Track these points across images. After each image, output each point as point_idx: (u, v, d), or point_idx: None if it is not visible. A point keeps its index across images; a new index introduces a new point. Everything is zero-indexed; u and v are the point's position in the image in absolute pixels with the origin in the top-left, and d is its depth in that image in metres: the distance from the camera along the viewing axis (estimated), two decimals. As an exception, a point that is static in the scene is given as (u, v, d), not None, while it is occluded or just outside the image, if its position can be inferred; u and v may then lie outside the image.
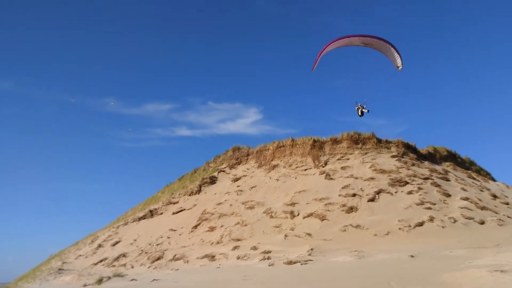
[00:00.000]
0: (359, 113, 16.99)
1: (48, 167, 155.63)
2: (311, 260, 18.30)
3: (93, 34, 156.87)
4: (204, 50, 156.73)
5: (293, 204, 28.50)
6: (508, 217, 25.55)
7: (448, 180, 31.81)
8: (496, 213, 25.98)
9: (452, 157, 39.78)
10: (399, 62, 14.33)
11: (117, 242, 32.31)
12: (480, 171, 39.94)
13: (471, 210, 25.81)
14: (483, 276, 10.99)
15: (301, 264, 17.70)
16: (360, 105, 16.86)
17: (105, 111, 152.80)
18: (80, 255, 32.65)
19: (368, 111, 16.87)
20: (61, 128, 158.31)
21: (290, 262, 18.25)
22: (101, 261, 28.63)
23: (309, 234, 23.62)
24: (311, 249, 20.34)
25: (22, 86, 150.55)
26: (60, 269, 28.42)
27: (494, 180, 38.99)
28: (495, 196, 29.68)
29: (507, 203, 28.71)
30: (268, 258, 20.44)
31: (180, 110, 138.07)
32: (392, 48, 14.38)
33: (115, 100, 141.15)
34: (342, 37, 15.01)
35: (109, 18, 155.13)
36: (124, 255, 27.98)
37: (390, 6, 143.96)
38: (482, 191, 30.71)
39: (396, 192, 28.32)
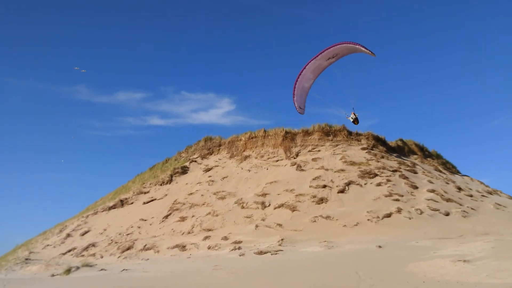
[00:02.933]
0: (356, 122, 16.76)
1: (15, 158, 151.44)
2: (282, 250, 18.51)
3: (62, 20, 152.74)
4: (177, 39, 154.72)
5: (264, 195, 28.68)
6: (472, 209, 26.36)
7: (415, 172, 32.55)
8: (461, 205, 26.76)
9: (420, 150, 40.66)
10: (369, 51, 14.36)
11: (86, 232, 31.87)
12: (446, 164, 40.96)
13: (437, 202, 26.52)
14: (447, 266, 11.38)
15: (272, 254, 17.89)
16: (353, 113, 16.62)
17: (75, 99, 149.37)
18: (48, 245, 32.06)
19: (354, 114, 16.72)
20: (28, 117, 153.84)
21: (261, 252, 18.42)
22: (69, 251, 28.21)
23: (280, 225, 23.85)
24: (282, 240, 20.57)
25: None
26: (27, 259, 27.86)
27: (459, 173, 40.07)
28: (460, 189, 30.54)
29: (471, 195, 29.59)
30: (239, 248, 20.57)
31: (153, 99, 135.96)
32: (357, 45, 14.45)
33: (86, 88, 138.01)
34: (304, 67, 14.90)
35: (79, 3, 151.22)
36: (93, 245, 27.65)
37: (363, 1, 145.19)
38: (447, 183, 31.55)
39: (365, 184, 28.82)
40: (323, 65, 15.17)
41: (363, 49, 14.24)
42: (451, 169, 40.17)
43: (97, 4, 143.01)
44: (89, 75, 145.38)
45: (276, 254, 17.93)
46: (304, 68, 15.05)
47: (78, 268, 20.11)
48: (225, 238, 22.87)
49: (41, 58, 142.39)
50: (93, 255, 25.71)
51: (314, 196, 27.15)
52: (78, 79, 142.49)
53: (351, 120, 16.52)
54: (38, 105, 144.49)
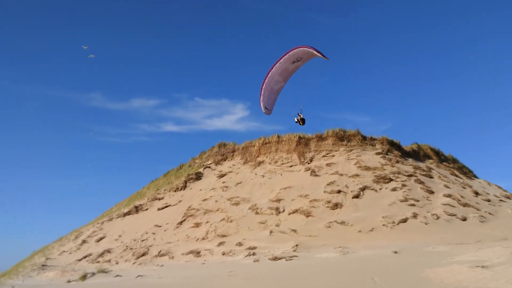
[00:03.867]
0: (301, 123, 16.65)
1: (31, 164, 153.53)
2: (296, 256, 18.41)
3: (77, 28, 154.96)
4: (191, 46, 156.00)
5: (278, 200, 28.61)
6: (490, 213, 25.98)
7: (431, 177, 32.20)
8: (478, 210, 26.39)
9: (436, 155, 40.23)
10: (321, 55, 14.30)
11: (101, 238, 32.09)
12: (462, 169, 40.47)
13: (454, 207, 26.18)
14: (465, 272, 11.19)
15: (286, 260, 17.80)
16: (299, 114, 16.53)
17: (90, 106, 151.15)
18: (64, 251, 32.35)
19: (301, 115, 16.61)
20: (44, 123, 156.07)
21: (275, 258, 18.35)
22: (85, 257, 28.41)
23: (294, 230, 23.75)
24: (296, 245, 20.46)
25: (3, 80, 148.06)
26: (43, 265, 28.12)
27: (476, 177, 39.55)
28: (477, 193, 30.13)
29: (489, 200, 29.17)
30: (253, 254, 20.52)
31: (167, 106, 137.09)
32: (311, 49, 14.44)
33: (101, 95, 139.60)
34: (271, 69, 14.98)
35: (94, 11, 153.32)
36: (108, 251, 27.81)
37: (372, 3, 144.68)
38: (464, 188, 31.15)
39: (380, 189, 28.59)
40: (289, 68, 15.22)
41: (316, 53, 14.18)
42: (468, 173, 39.67)
43: (111, 12, 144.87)
44: (104, 82, 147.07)
45: (290, 260, 17.83)
46: (271, 70, 15.14)
47: (93, 274, 20.26)
48: (240, 244, 22.82)
49: (56, 65, 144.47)
50: (109, 261, 25.86)
51: (329, 202, 26.99)
52: (94, 86, 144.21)
53: (296, 121, 16.47)
54: (54, 112, 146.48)
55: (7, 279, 28.05)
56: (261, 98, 15.50)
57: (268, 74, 15.12)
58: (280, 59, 14.78)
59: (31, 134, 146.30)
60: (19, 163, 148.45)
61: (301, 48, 14.38)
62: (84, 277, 19.87)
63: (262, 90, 15.32)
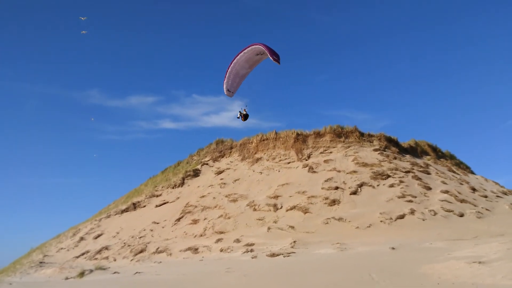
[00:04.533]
0: (243, 119, 16.79)
1: (29, 161, 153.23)
2: (294, 252, 18.45)
3: (75, 26, 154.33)
4: (188, 42, 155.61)
5: (276, 197, 28.62)
6: (487, 209, 26.04)
7: (428, 173, 32.26)
8: (475, 205, 26.45)
9: (433, 151, 40.30)
10: (272, 58, 14.43)
11: (99, 235, 32.06)
12: (460, 165, 40.54)
13: (451, 203, 26.24)
14: (462, 268, 11.23)
15: (284, 257, 17.83)
16: (244, 110, 16.70)
17: (88, 103, 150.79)
18: (61, 248, 32.32)
19: (246, 110, 16.78)
20: (42, 121, 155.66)
21: (273, 255, 18.38)
22: (83, 254, 28.39)
23: (292, 227, 23.77)
24: (294, 242, 20.49)
25: (2, 79, 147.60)
26: (41, 262, 28.10)
27: (473, 173, 39.65)
28: (474, 189, 30.19)
29: (486, 196, 29.24)
30: (251, 250, 20.55)
31: (164, 103, 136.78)
32: (266, 49, 14.59)
33: (99, 93, 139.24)
34: (237, 55, 15.20)
35: (91, 9, 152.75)
36: (106, 248, 27.80)
37: (371, 2, 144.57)
38: (461, 184, 31.22)
39: (378, 185, 28.63)
40: (254, 59, 15.35)
41: (269, 54, 14.23)
42: (465, 169, 39.75)
43: (108, 9, 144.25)
44: (101, 80, 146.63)
45: (288, 256, 17.87)
46: (236, 56, 15.37)
47: (91, 271, 20.27)
48: (237, 241, 22.84)
49: (54, 63, 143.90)
50: (106, 258, 25.86)
51: (326, 198, 27.02)
52: (91, 84, 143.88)
53: (238, 116, 16.64)
54: (51, 109, 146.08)
55: (4, 276, 28.02)
56: (225, 81, 15.74)
57: (234, 59, 15.31)
58: (245, 48, 14.96)
59: (29, 133, 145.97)
60: (17, 161, 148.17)
61: (260, 46, 14.49)
62: (82, 274, 19.88)
63: (227, 73, 15.56)
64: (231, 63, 15.50)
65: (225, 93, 16.19)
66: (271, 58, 14.03)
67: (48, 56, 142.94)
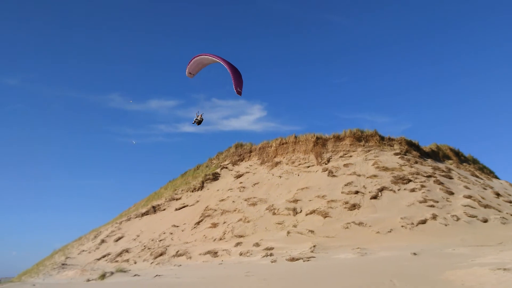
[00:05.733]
0: (197, 123, 17.16)
1: (53, 164, 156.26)
2: (314, 257, 18.30)
3: (97, 30, 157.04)
4: (208, 46, 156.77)
5: (295, 201, 28.51)
6: (511, 215, 25.49)
7: (451, 178, 31.76)
8: (499, 211, 25.93)
9: (455, 155, 39.70)
10: (235, 89, 14.82)
11: (120, 238, 32.40)
12: (483, 169, 39.85)
13: (474, 208, 25.77)
14: (486, 274, 10.98)
15: (304, 261, 17.71)
16: (201, 116, 17.10)
17: (110, 107, 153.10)
18: (83, 251, 32.75)
19: (201, 116, 17.13)
20: (66, 124, 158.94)
21: (293, 259, 18.26)
22: (104, 256, 28.72)
23: (312, 231, 23.63)
24: (314, 246, 20.36)
25: (28, 82, 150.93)
26: (63, 264, 28.53)
27: (497, 178, 38.90)
28: (498, 194, 29.61)
29: (511, 201, 28.65)
30: (271, 254, 20.48)
31: (184, 107, 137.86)
32: (231, 73, 15.00)
33: (119, 97, 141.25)
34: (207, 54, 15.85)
35: (112, 14, 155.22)
36: (127, 251, 28.07)
37: (390, 3, 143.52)
38: (485, 189, 30.64)
39: (399, 190, 28.29)
40: (217, 61, 15.86)
41: (233, 80, 14.65)
42: (489, 174, 39.06)
43: (130, 14, 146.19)
44: (122, 84, 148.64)
45: (308, 261, 17.73)
46: (207, 54, 15.82)
47: (112, 273, 20.42)
48: (257, 245, 22.80)
49: (76, 68, 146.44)
50: (127, 260, 26.08)
51: (346, 202, 26.81)
52: (112, 88, 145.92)
53: (194, 121, 17.02)
54: (74, 113, 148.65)
55: (28, 278, 28.53)
56: (188, 66, 16.32)
57: (201, 54, 15.94)
58: (217, 57, 15.72)
59: (53, 135, 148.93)
60: (42, 164, 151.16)
61: (227, 68, 15.16)
62: (103, 276, 20.04)
63: (192, 60, 16.11)
64: (199, 55, 16.11)
65: (187, 74, 17.04)
66: (235, 89, 14.58)
67: (71, 61, 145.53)
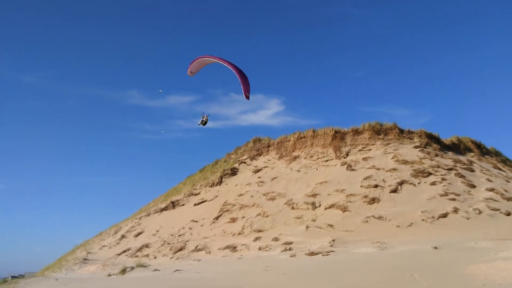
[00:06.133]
0: (202, 124, 17.45)
1: (73, 160, 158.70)
2: (333, 251, 18.20)
3: (116, 27, 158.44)
4: (225, 41, 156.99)
5: (314, 195, 28.38)
6: (535, 208, 24.96)
7: (472, 170, 31.23)
8: (523, 204, 25.39)
9: (477, 147, 39.02)
10: (244, 93, 14.98)
11: (140, 233, 32.73)
12: (506, 162, 39.11)
13: (497, 201, 25.29)
14: (509, 268, 10.77)
15: (323, 256, 17.62)
16: (206, 116, 17.35)
17: (128, 103, 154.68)
18: (104, 246, 33.19)
19: (207, 117, 17.38)
20: (85, 121, 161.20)
21: (312, 253, 18.19)
22: (124, 251, 29.05)
23: (331, 225, 23.51)
24: (333, 240, 20.24)
25: (46, 80, 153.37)
26: (85, 259, 28.96)
27: (520, 170, 38.13)
28: (521, 187, 29.00)
29: (534, 194, 28.02)
30: (290, 249, 20.43)
31: (202, 102, 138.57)
32: (240, 78, 15.12)
33: (138, 93, 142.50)
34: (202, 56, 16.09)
35: (131, 10, 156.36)
36: (147, 246, 28.34)
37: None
38: (508, 181, 30.04)
39: (419, 183, 27.93)
40: (221, 62, 15.99)
41: (242, 86, 14.83)
42: (512, 166, 38.30)
43: (147, 12, 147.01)
44: (141, 80, 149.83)
45: (327, 255, 17.64)
46: (211, 56, 16.09)
47: (133, 268, 20.64)
48: (276, 239, 22.78)
49: (94, 64, 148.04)
50: (147, 255, 26.34)
51: (366, 196, 26.58)
52: (131, 85, 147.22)
53: (199, 122, 17.31)
54: (93, 109, 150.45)
55: (51, 272, 29.04)
56: (191, 66, 16.55)
57: (205, 56, 16.14)
58: (222, 60, 15.90)
59: (72, 133, 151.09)
60: (62, 161, 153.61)
61: (236, 74, 15.38)
62: (123, 271, 20.28)
63: (194, 61, 16.32)
64: (202, 56, 16.31)
65: (188, 73, 17.25)
66: (243, 94, 14.73)
67: (88, 58, 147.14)
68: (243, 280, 13.97)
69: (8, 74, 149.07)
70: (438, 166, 30.35)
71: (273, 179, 34.17)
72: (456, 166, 31.03)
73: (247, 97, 14.93)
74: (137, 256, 26.84)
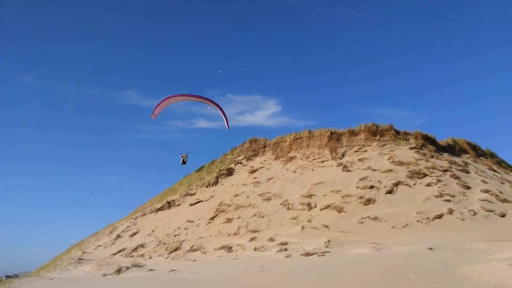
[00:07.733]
0: (182, 162, 18.53)
1: (69, 160, 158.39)
2: (328, 252, 18.23)
3: (113, 28, 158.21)
4: (223, 42, 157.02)
5: (310, 196, 28.41)
6: (530, 210, 25.07)
7: (468, 172, 31.35)
8: (518, 205, 25.50)
9: (472, 149, 39.16)
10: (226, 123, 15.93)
11: (135, 233, 32.65)
12: (501, 163, 39.24)
13: (492, 202, 25.40)
14: (504, 269, 10.81)
15: (318, 256, 17.65)
16: (185, 155, 18.43)
17: (125, 103, 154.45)
18: (99, 245, 33.09)
19: (186, 155, 18.32)
20: (82, 121, 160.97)
21: (307, 254, 18.21)
22: (119, 251, 28.98)
23: (326, 226, 23.54)
24: (328, 241, 20.28)
25: (44, 80, 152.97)
26: (80, 259, 28.86)
27: (515, 172, 38.27)
28: (516, 189, 29.12)
29: (529, 196, 28.15)
30: (285, 249, 20.45)
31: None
32: (220, 110, 15.94)
33: (136, 93, 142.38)
34: (177, 95, 16.62)
35: (128, 12, 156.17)
36: (142, 246, 28.28)
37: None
38: (503, 183, 30.17)
39: (414, 184, 28.02)
40: (193, 99, 16.48)
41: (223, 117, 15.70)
42: (507, 168, 38.47)
43: (144, 12, 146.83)
44: (138, 80, 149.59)
45: (323, 255, 17.67)
46: (178, 95, 17.40)
47: (128, 268, 20.61)
48: (271, 240, 22.80)
49: (92, 65, 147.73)
50: (142, 255, 26.29)
51: (361, 197, 26.64)
52: (128, 85, 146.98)
53: (181, 160, 18.00)
54: (90, 110, 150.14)
55: (46, 272, 28.94)
56: (157, 108, 17.01)
57: (175, 95, 16.55)
58: (190, 95, 16.27)
59: (69, 132, 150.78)
60: (58, 161, 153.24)
61: (217, 109, 16.04)
62: (118, 271, 20.24)
63: (161, 102, 16.80)
64: (170, 97, 16.71)
65: (152, 116, 17.74)
66: (226, 125, 15.59)
67: (86, 58, 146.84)
68: (238, 280, 13.97)
69: (7, 74, 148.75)
70: (434, 168, 30.45)
71: (269, 179, 34.18)
72: (451, 168, 31.14)
73: (228, 127, 16.04)
74: (132, 256, 26.78)
